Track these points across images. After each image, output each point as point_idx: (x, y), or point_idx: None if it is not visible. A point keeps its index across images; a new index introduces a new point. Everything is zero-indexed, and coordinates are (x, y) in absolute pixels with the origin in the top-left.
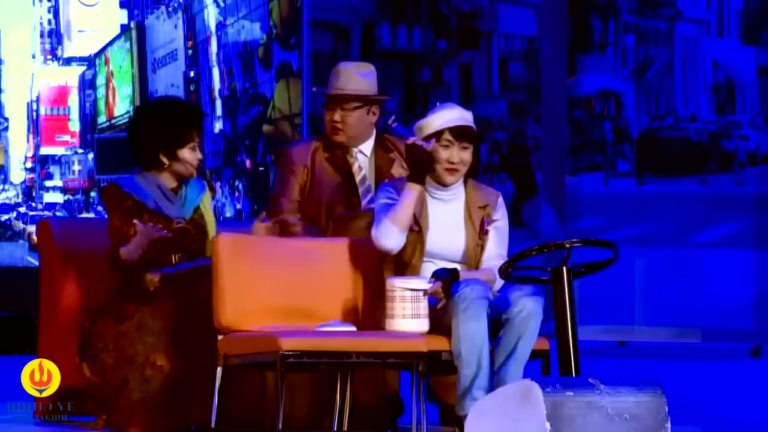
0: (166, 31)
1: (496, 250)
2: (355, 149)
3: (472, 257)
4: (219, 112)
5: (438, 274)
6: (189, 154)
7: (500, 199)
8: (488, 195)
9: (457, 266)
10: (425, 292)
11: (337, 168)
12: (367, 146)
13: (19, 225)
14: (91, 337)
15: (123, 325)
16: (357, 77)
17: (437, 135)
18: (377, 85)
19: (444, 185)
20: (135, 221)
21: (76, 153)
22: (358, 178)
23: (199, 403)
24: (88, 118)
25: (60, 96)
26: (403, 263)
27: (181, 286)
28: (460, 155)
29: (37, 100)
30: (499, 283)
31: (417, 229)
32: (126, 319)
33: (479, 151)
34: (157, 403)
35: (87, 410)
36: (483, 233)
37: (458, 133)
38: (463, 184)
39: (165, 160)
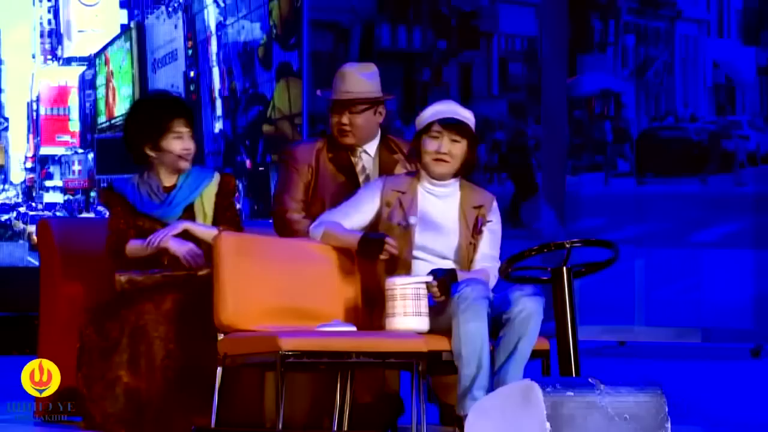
0: (166, 31)
1: (489, 252)
2: (360, 149)
3: (464, 256)
4: (219, 112)
5: (435, 273)
6: (173, 144)
7: (495, 203)
8: (483, 196)
9: (450, 264)
10: (427, 284)
11: (340, 168)
12: (372, 146)
13: (19, 225)
14: (84, 348)
15: (104, 342)
16: (362, 79)
17: (427, 128)
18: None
19: (433, 176)
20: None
21: (76, 153)
22: (361, 178)
23: (175, 415)
24: (88, 118)
25: (60, 96)
26: (393, 258)
27: (154, 298)
28: (449, 147)
29: (37, 100)
30: (493, 283)
31: (404, 224)
32: (106, 336)
33: (475, 149)
34: (126, 419)
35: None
36: (476, 232)
37: (447, 124)
38: (459, 184)
39: (152, 154)
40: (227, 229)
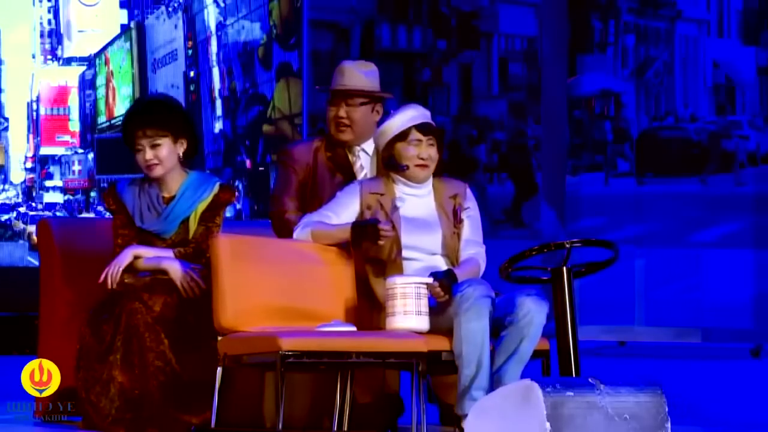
0: (166, 31)
1: (472, 237)
2: (358, 148)
3: (452, 247)
4: (219, 112)
5: (435, 275)
6: (138, 159)
7: (468, 190)
8: (456, 186)
9: (440, 259)
10: (429, 285)
11: (338, 166)
12: (370, 145)
13: (19, 225)
14: (82, 350)
15: (99, 345)
16: (361, 75)
17: (403, 134)
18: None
19: (416, 182)
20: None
21: (76, 153)
22: (359, 177)
23: (171, 415)
24: (88, 118)
25: (60, 96)
26: (382, 262)
27: (144, 298)
28: (428, 151)
29: (37, 100)
30: (483, 267)
31: (390, 225)
32: (102, 339)
33: (443, 148)
34: (123, 419)
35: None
36: (458, 222)
37: (425, 129)
38: (431, 181)
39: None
40: (200, 238)
